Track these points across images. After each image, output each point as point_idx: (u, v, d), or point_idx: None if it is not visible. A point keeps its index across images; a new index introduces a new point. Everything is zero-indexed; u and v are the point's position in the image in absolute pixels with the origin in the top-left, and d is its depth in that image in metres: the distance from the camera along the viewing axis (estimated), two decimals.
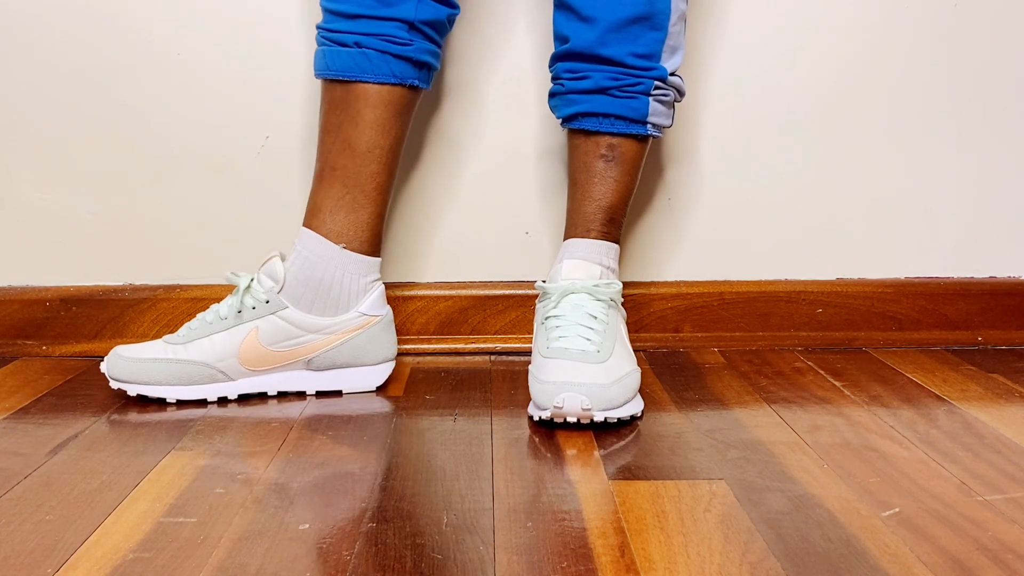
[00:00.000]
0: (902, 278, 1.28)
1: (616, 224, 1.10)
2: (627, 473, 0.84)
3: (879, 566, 0.67)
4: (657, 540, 0.71)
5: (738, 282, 1.27)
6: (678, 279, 1.27)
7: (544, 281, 1.08)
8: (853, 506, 0.77)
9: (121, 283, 1.25)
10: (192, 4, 1.20)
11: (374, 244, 1.09)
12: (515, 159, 1.24)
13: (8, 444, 0.92)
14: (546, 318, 1.04)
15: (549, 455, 0.89)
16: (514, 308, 1.25)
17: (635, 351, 1.23)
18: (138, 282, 1.25)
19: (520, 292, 1.24)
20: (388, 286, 1.24)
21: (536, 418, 0.97)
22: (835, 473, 0.84)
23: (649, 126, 1.08)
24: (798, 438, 0.93)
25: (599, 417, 0.94)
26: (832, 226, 1.27)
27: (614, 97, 1.06)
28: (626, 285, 1.25)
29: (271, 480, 0.84)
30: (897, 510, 0.77)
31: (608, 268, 1.08)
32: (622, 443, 0.92)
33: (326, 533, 0.73)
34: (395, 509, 0.77)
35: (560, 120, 1.11)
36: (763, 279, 1.27)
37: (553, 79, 1.10)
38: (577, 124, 1.08)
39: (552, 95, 1.11)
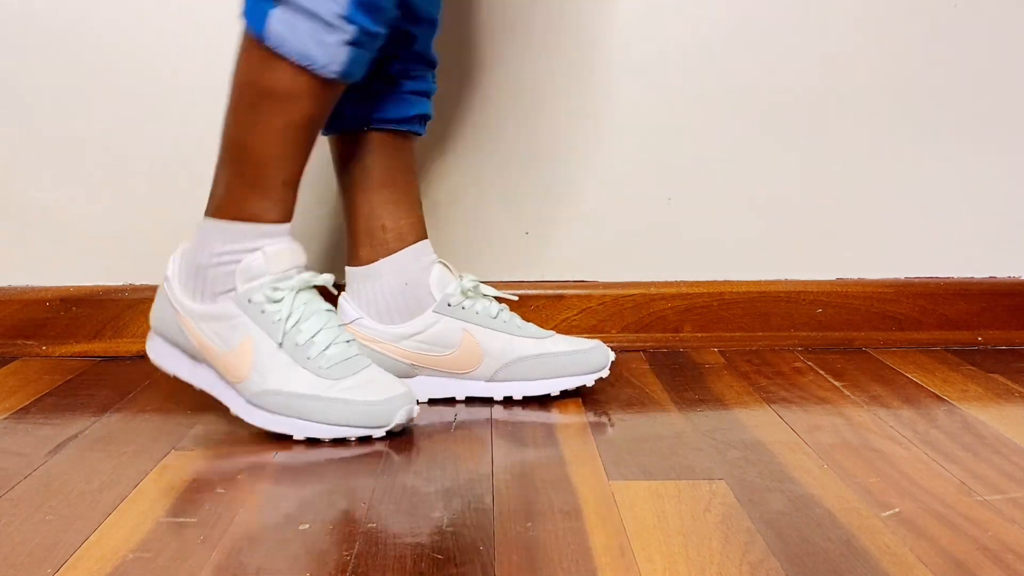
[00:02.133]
0: (902, 278, 1.28)
1: None
2: (627, 473, 0.84)
3: (879, 566, 0.67)
4: (657, 540, 0.71)
5: (738, 282, 1.27)
6: (678, 279, 1.27)
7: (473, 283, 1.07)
8: (853, 506, 0.77)
9: (121, 283, 1.25)
10: (193, 5, 1.20)
11: None
12: (515, 159, 1.24)
13: (8, 444, 0.92)
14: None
15: (549, 455, 0.89)
16: (514, 308, 1.24)
17: (635, 351, 1.24)
18: (138, 282, 1.25)
19: (520, 292, 1.24)
20: None
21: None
22: (835, 473, 0.84)
23: None
24: (798, 438, 0.93)
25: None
26: (832, 226, 1.27)
27: (430, 99, 1.06)
28: (626, 285, 1.25)
29: (271, 480, 0.84)
30: (897, 510, 0.77)
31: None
32: (622, 443, 0.92)
33: (326, 533, 0.73)
34: (395, 509, 0.77)
35: (389, 119, 1.03)
36: (763, 279, 1.27)
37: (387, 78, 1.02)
38: (407, 127, 1.05)
39: (382, 94, 1.02)
